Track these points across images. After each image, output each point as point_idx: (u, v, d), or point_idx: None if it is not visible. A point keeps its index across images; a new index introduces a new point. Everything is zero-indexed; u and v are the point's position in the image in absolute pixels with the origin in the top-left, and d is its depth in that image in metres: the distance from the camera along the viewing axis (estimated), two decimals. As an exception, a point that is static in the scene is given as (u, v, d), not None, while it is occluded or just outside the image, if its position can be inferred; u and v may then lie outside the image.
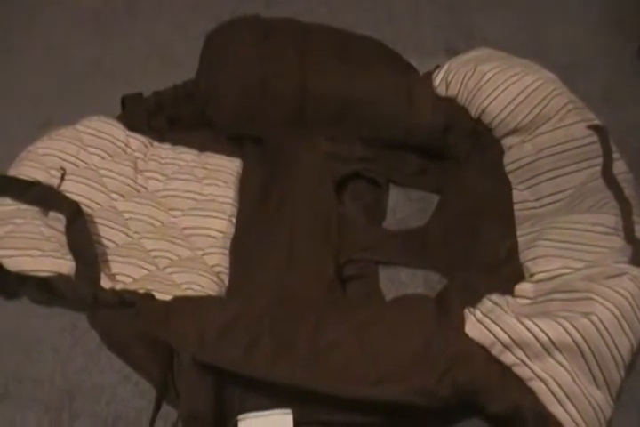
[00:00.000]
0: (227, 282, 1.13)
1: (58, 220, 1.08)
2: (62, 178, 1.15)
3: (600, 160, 1.10)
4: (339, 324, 0.94)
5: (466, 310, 0.95)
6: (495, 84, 1.18)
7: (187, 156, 1.27)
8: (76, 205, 1.09)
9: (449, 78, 1.23)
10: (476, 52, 1.27)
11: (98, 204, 1.16)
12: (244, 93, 1.23)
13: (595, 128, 1.14)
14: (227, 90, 1.23)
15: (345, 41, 1.30)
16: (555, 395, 0.87)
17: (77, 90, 1.48)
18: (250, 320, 0.92)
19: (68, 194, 1.13)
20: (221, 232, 1.18)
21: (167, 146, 1.29)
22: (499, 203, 1.17)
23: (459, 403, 0.90)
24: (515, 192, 1.18)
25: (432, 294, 1.09)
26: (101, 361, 1.06)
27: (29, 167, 1.14)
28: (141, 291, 1.03)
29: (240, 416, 0.95)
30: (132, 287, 1.05)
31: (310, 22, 1.32)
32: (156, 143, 1.28)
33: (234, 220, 1.20)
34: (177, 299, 0.98)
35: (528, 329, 0.88)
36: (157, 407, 0.94)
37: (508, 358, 0.89)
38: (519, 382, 0.89)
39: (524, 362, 0.89)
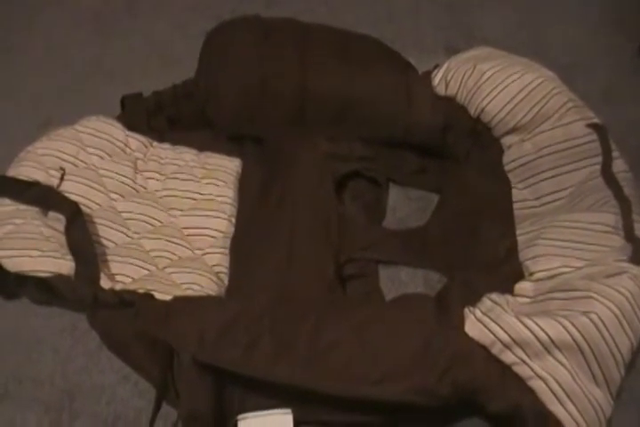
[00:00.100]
0: (226, 282, 1.13)
1: (57, 220, 1.08)
2: (62, 178, 1.15)
3: (600, 159, 1.10)
4: (339, 323, 0.94)
5: (466, 310, 0.95)
6: (494, 83, 1.18)
7: (186, 155, 1.27)
8: (75, 205, 1.09)
9: (448, 77, 1.23)
10: (475, 50, 1.27)
11: (97, 204, 1.16)
12: (243, 93, 1.23)
13: (594, 127, 1.13)
14: (226, 90, 1.23)
15: (344, 40, 1.29)
16: (555, 394, 0.88)
17: (77, 90, 1.48)
18: (250, 320, 0.92)
19: (67, 194, 1.13)
20: (221, 232, 1.18)
21: (167, 146, 1.29)
22: (498, 202, 1.17)
23: (459, 402, 0.90)
24: (514, 191, 1.18)
25: (432, 293, 1.09)
26: (101, 361, 1.06)
27: (29, 167, 1.14)
28: (141, 291, 1.03)
29: (240, 416, 0.95)
30: (132, 287, 1.05)
31: (310, 22, 1.32)
32: (155, 143, 1.28)
33: (233, 219, 1.20)
34: (177, 299, 0.98)
35: (528, 328, 0.88)
36: (157, 407, 0.94)
37: (507, 357, 0.89)
38: (519, 381, 0.89)
39: (523, 361, 0.89)
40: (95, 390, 1.04)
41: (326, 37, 1.29)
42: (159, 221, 1.18)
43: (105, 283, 1.03)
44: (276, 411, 0.96)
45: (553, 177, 1.14)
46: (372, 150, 1.28)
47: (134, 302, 0.98)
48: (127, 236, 1.15)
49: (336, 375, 0.89)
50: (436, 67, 1.27)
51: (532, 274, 1.02)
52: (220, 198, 1.22)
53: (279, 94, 1.23)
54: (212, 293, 1.08)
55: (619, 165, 1.10)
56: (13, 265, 1.00)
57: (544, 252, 1.03)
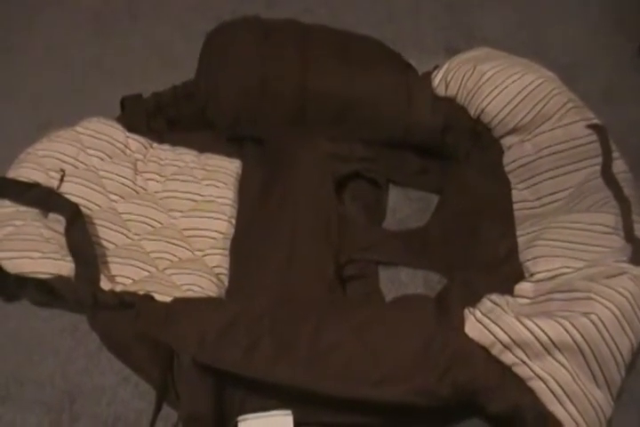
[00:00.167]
0: (227, 283, 1.13)
1: (57, 221, 1.08)
2: (62, 179, 1.15)
3: (600, 159, 1.10)
4: (339, 324, 0.94)
5: (466, 310, 0.95)
6: (494, 83, 1.18)
7: (186, 157, 1.27)
8: (75, 206, 1.09)
9: (448, 78, 1.22)
10: (475, 51, 1.27)
11: (97, 205, 1.16)
12: (243, 94, 1.23)
13: (594, 127, 1.13)
14: (227, 90, 1.23)
15: (345, 41, 1.29)
16: (555, 394, 0.88)
17: (77, 90, 1.48)
18: (250, 321, 0.93)
19: (67, 195, 1.13)
20: (221, 233, 1.18)
21: (166, 147, 1.29)
22: (498, 202, 1.17)
23: (459, 403, 0.90)
24: (514, 192, 1.18)
25: (432, 294, 1.09)
26: (102, 363, 1.06)
27: (29, 169, 1.14)
28: (141, 292, 1.03)
29: (240, 417, 0.95)
30: (132, 289, 1.05)
31: (310, 23, 1.32)
32: (155, 144, 1.28)
33: (234, 221, 1.20)
34: (177, 300, 0.98)
35: (528, 329, 0.88)
36: (158, 409, 0.94)
37: (508, 358, 0.89)
38: (519, 381, 0.89)
39: (524, 362, 0.89)
40: (96, 391, 1.04)
41: (326, 38, 1.29)
42: (159, 222, 1.18)
43: (105, 284, 1.03)
44: (276, 412, 0.95)
45: (553, 178, 1.14)
46: (372, 151, 1.28)
47: (134, 304, 0.98)
48: (127, 237, 1.15)
49: (336, 376, 0.89)
50: (436, 67, 1.27)
51: (532, 275, 1.02)
52: (220, 200, 1.22)
53: (279, 95, 1.23)
54: (212, 294, 1.08)
55: (619, 166, 1.10)
56: (14, 267, 1.00)
57: (544, 253, 1.03)
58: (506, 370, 0.90)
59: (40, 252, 1.02)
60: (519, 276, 1.04)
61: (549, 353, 0.88)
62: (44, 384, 1.05)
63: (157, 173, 1.24)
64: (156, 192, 1.22)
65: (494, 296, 0.97)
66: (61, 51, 1.57)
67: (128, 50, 1.57)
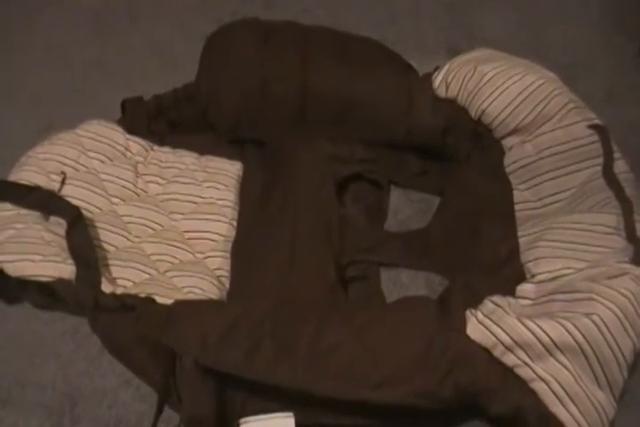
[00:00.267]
0: (228, 285, 1.13)
1: (58, 224, 1.08)
2: (63, 182, 1.15)
3: (601, 160, 1.10)
4: (340, 326, 0.94)
5: (467, 312, 0.95)
6: (495, 84, 1.17)
7: (187, 159, 1.27)
8: (76, 209, 1.09)
9: (449, 79, 1.22)
10: (476, 52, 1.27)
11: (98, 208, 1.16)
12: (244, 96, 1.23)
13: (595, 128, 1.13)
14: (227, 93, 1.23)
15: (345, 42, 1.29)
16: (557, 396, 0.88)
17: (77, 92, 1.48)
18: (251, 323, 0.92)
19: (68, 198, 1.13)
20: (222, 235, 1.18)
21: (167, 149, 1.29)
22: (499, 203, 1.17)
23: (460, 405, 0.90)
24: (515, 193, 1.18)
25: (433, 295, 1.09)
26: (103, 365, 1.06)
27: (30, 172, 1.14)
28: (142, 295, 1.03)
29: (242, 420, 0.95)
30: (133, 291, 1.05)
31: (310, 24, 1.32)
32: (156, 147, 1.28)
33: (235, 223, 1.20)
34: (178, 303, 0.98)
35: (530, 330, 0.88)
36: (159, 411, 0.94)
37: (510, 360, 0.89)
38: (521, 383, 0.89)
39: (526, 363, 0.89)
40: (97, 394, 1.04)
41: (327, 39, 1.29)
42: (160, 224, 1.18)
43: (106, 287, 1.03)
44: (277, 414, 0.95)
45: (554, 178, 1.14)
46: (373, 152, 1.28)
47: (135, 306, 0.98)
48: (128, 240, 1.15)
49: (337, 378, 0.89)
50: (437, 68, 1.27)
51: (533, 276, 1.02)
52: (221, 202, 1.22)
53: (280, 97, 1.23)
54: (213, 296, 1.08)
55: (620, 166, 1.10)
56: (15, 270, 1.01)
57: (545, 253, 1.03)
58: (508, 371, 0.90)
59: (41, 255, 1.02)
60: (521, 277, 1.04)
61: (551, 354, 0.88)
62: (46, 387, 1.05)
63: (158, 176, 1.24)
64: (156, 194, 1.22)
65: (496, 297, 0.97)
66: (61, 51, 1.57)
67: (128, 50, 1.57)
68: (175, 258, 1.14)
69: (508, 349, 0.89)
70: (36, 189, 1.12)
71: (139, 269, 1.10)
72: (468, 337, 0.91)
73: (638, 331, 0.90)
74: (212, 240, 1.17)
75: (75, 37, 1.60)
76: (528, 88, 1.16)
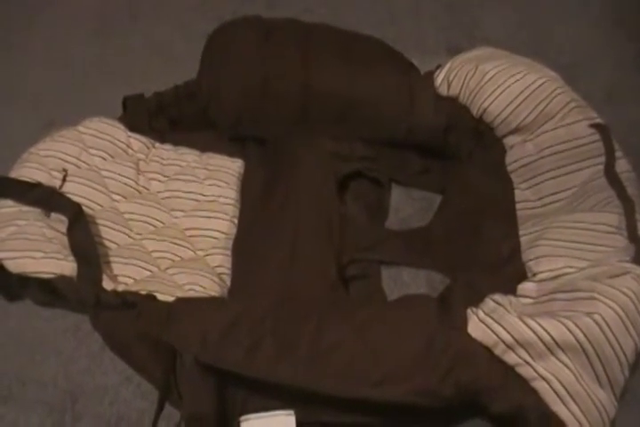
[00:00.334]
0: (229, 283, 1.13)
1: (60, 221, 1.08)
2: (64, 179, 1.15)
3: (602, 159, 1.10)
4: (341, 324, 0.94)
5: (468, 310, 0.94)
6: (497, 83, 1.17)
7: (188, 156, 1.27)
8: (77, 206, 1.09)
9: (450, 78, 1.22)
10: (477, 51, 1.27)
11: (99, 205, 1.16)
12: (245, 94, 1.23)
13: (597, 127, 1.13)
14: (228, 90, 1.23)
15: (347, 41, 1.29)
16: (558, 395, 0.87)
17: (78, 90, 1.48)
18: (252, 321, 0.92)
19: (69, 195, 1.13)
20: (223, 233, 1.18)
21: (168, 147, 1.29)
22: (501, 202, 1.17)
23: (461, 403, 0.90)
24: (517, 191, 1.18)
25: (434, 293, 1.09)
26: (104, 363, 1.06)
27: (31, 169, 1.14)
28: (143, 292, 1.03)
29: (242, 417, 0.95)
30: (134, 288, 1.05)
31: (312, 22, 1.32)
32: (157, 144, 1.28)
33: (236, 220, 1.20)
34: (179, 300, 0.98)
35: (531, 329, 0.88)
36: (160, 409, 0.94)
37: (511, 358, 0.89)
38: (522, 381, 0.89)
39: (527, 362, 0.89)
40: (98, 391, 1.04)
41: (328, 37, 1.29)
42: (161, 222, 1.18)
43: (107, 284, 1.03)
44: (278, 412, 0.95)
45: (555, 177, 1.14)
46: (374, 151, 1.28)
47: (136, 304, 0.98)
48: (129, 237, 1.15)
49: (337, 376, 0.89)
50: (439, 67, 1.27)
51: (534, 275, 1.02)
52: (222, 199, 1.22)
53: (281, 94, 1.23)
54: (214, 294, 1.08)
55: (622, 165, 1.10)
56: (16, 266, 1.00)
57: (547, 252, 1.03)
58: (509, 370, 0.89)
59: (42, 252, 1.02)
60: (522, 276, 1.04)
61: (552, 353, 0.88)
62: (47, 384, 1.05)
63: (159, 173, 1.24)
64: (158, 192, 1.22)
65: (497, 296, 0.97)
66: (62, 50, 1.57)
67: (128, 50, 1.57)
68: (176, 255, 1.14)
69: (510, 347, 0.89)
70: (37, 185, 1.11)
71: (140, 267, 1.10)
72: (469, 336, 0.90)
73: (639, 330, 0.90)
74: (214, 238, 1.17)
75: (75, 36, 1.60)
76: (530, 87, 1.16)
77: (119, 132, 1.24)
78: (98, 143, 1.22)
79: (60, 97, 1.46)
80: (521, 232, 1.12)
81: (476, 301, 0.97)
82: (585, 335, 0.87)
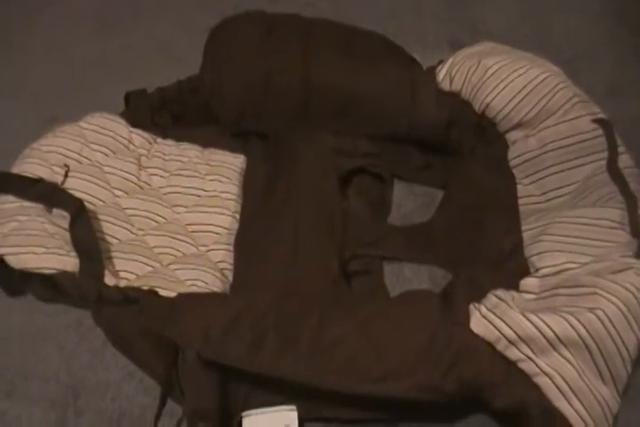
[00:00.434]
0: (231, 278, 1.13)
1: (62, 217, 1.08)
2: (66, 175, 1.15)
3: (605, 154, 1.10)
4: (343, 320, 0.94)
5: (471, 306, 0.94)
6: (499, 78, 1.17)
7: (190, 152, 1.27)
8: (79, 202, 1.09)
9: (452, 73, 1.22)
10: (479, 46, 1.27)
11: (101, 200, 1.16)
12: (247, 88, 1.23)
13: (600, 122, 1.13)
14: (231, 85, 1.23)
15: (348, 36, 1.29)
16: (560, 390, 0.87)
17: (80, 86, 1.48)
18: (254, 316, 0.93)
19: (71, 191, 1.13)
20: (225, 228, 1.18)
21: (170, 142, 1.28)
22: (503, 197, 1.17)
23: (464, 399, 0.90)
24: (519, 187, 1.17)
25: (437, 289, 1.09)
26: (106, 358, 1.06)
27: (33, 164, 1.14)
28: (145, 288, 1.03)
29: (244, 413, 0.96)
30: (136, 284, 1.05)
31: (313, 17, 1.32)
32: (159, 139, 1.28)
33: (238, 216, 1.20)
34: (181, 296, 0.98)
35: (533, 324, 0.88)
36: (162, 404, 0.95)
37: (513, 354, 0.89)
38: (525, 377, 0.89)
39: (529, 357, 0.89)
40: (100, 386, 1.04)
41: (330, 32, 1.29)
42: (163, 217, 1.18)
43: (109, 280, 1.04)
44: (280, 408, 0.96)
45: (558, 172, 1.14)
46: (376, 146, 1.28)
47: (139, 299, 0.99)
48: (131, 232, 1.15)
49: (340, 371, 0.89)
50: (441, 62, 1.27)
51: (537, 270, 1.02)
52: (224, 195, 1.22)
53: (283, 89, 1.23)
54: (216, 289, 1.08)
55: (624, 161, 1.09)
56: (18, 262, 1.01)
57: (549, 248, 1.03)
58: (511, 366, 0.89)
59: (44, 247, 1.02)
60: (524, 271, 1.04)
61: (555, 349, 0.88)
62: (49, 379, 1.05)
63: (161, 169, 1.24)
64: (160, 187, 1.22)
65: (499, 292, 0.97)
66: (64, 47, 1.57)
67: (131, 46, 1.57)
68: (178, 251, 1.14)
69: (512, 343, 0.89)
70: (39, 181, 1.11)
71: (142, 262, 1.10)
72: (471, 331, 0.90)
73: (642, 325, 0.90)
74: (216, 233, 1.17)
75: (77, 34, 1.60)
76: (532, 82, 1.16)
77: (121, 127, 1.24)
78: (99, 139, 1.22)
79: (62, 93, 1.46)
80: (524, 227, 1.12)
81: (479, 296, 0.97)
82: (587, 331, 0.87)
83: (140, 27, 1.61)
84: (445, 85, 1.24)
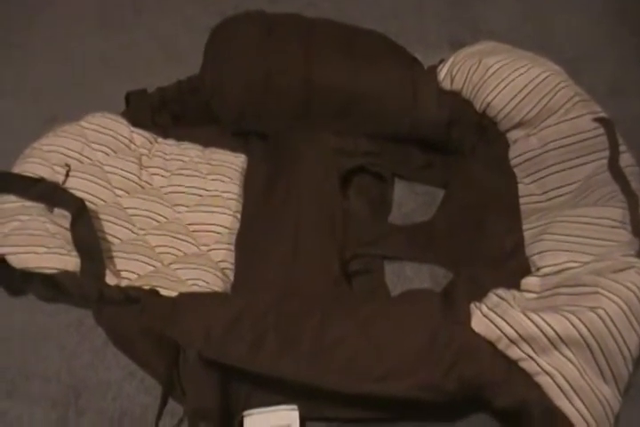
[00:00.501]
0: (232, 278, 1.13)
1: (63, 216, 1.08)
2: (67, 174, 1.15)
3: (606, 153, 1.10)
4: (344, 319, 0.94)
5: (472, 305, 0.94)
6: (500, 77, 1.17)
7: (191, 151, 1.27)
8: (80, 201, 1.09)
9: (453, 72, 1.22)
10: (480, 45, 1.27)
11: (102, 200, 1.16)
12: (248, 88, 1.23)
13: (601, 121, 1.13)
14: (231, 85, 1.23)
15: (349, 35, 1.29)
16: (562, 389, 0.87)
17: (81, 85, 1.48)
18: (255, 316, 0.93)
19: (72, 190, 1.13)
20: (226, 228, 1.18)
21: (171, 142, 1.29)
22: (504, 196, 1.17)
23: (465, 398, 0.90)
24: (520, 186, 1.17)
25: (438, 288, 1.09)
26: (107, 358, 1.06)
27: (34, 164, 1.14)
28: (146, 287, 1.03)
29: (246, 412, 0.96)
30: (138, 284, 1.05)
31: (315, 17, 1.32)
32: (160, 139, 1.28)
33: (239, 215, 1.20)
34: (182, 295, 0.98)
35: (535, 323, 0.88)
36: (163, 404, 0.95)
37: (514, 353, 0.89)
38: (526, 376, 0.89)
39: (530, 357, 0.89)
40: (101, 386, 1.04)
41: (331, 32, 1.29)
42: (164, 217, 1.18)
43: (110, 279, 1.04)
44: (281, 407, 0.96)
45: (559, 172, 1.13)
46: (377, 145, 1.28)
47: (140, 299, 0.99)
48: (132, 232, 1.15)
49: (341, 371, 0.89)
50: (442, 61, 1.27)
51: (538, 269, 1.02)
52: (225, 194, 1.22)
53: (283, 89, 1.23)
54: (217, 289, 1.08)
55: (626, 160, 1.09)
56: (19, 262, 1.01)
57: (550, 247, 1.03)
58: (512, 365, 0.89)
59: (45, 247, 1.02)
60: (526, 270, 1.04)
61: (556, 348, 0.88)
62: (50, 379, 1.05)
63: (162, 168, 1.24)
64: (161, 187, 1.22)
65: (500, 291, 0.97)
66: (64, 47, 1.57)
67: (132, 44, 1.57)
68: (179, 250, 1.14)
69: (513, 342, 0.89)
70: (40, 180, 1.12)
71: (143, 262, 1.10)
72: (472, 330, 0.90)
73: (644, 325, 0.90)
74: (217, 233, 1.17)
75: (77, 33, 1.60)
76: (533, 81, 1.16)
77: (122, 127, 1.24)
78: (100, 138, 1.22)
79: (63, 92, 1.46)
80: (525, 226, 1.12)
81: (480, 295, 0.97)
82: (589, 330, 0.87)
83: (140, 26, 1.61)
84: (446, 85, 1.24)
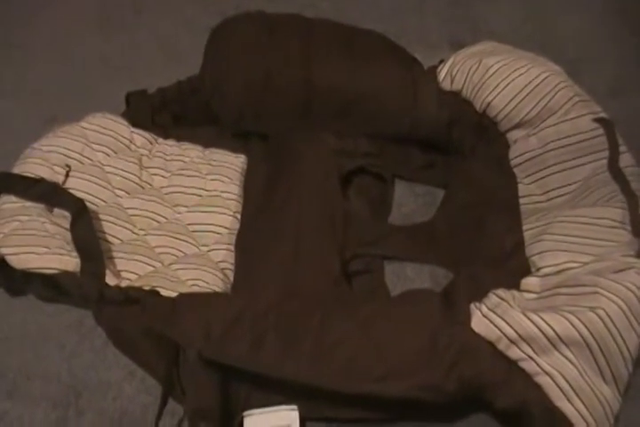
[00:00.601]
0: (232, 278, 1.13)
1: (63, 217, 1.08)
2: (67, 175, 1.16)
3: (606, 153, 1.10)
4: (344, 320, 0.94)
5: (472, 305, 0.95)
6: (500, 77, 1.17)
7: (191, 152, 1.27)
8: (80, 202, 1.09)
9: (454, 72, 1.22)
10: (480, 45, 1.27)
11: (103, 200, 1.16)
12: (248, 88, 1.23)
13: (601, 121, 1.13)
14: (231, 85, 1.23)
15: (349, 35, 1.29)
16: (562, 390, 0.87)
17: (81, 86, 1.48)
18: (255, 316, 0.93)
19: (72, 191, 1.13)
20: (226, 228, 1.18)
21: (172, 142, 1.29)
22: (504, 197, 1.17)
23: (465, 398, 0.90)
24: (520, 186, 1.17)
25: (438, 288, 1.09)
26: (107, 358, 1.06)
27: (34, 164, 1.14)
28: (147, 287, 1.03)
29: (246, 412, 0.96)
30: (138, 284, 1.05)
31: (314, 17, 1.32)
32: (160, 139, 1.28)
33: (239, 216, 1.20)
34: (182, 295, 0.99)
35: (534, 324, 0.88)
36: (163, 404, 0.95)
37: (514, 353, 0.89)
38: (526, 376, 0.89)
39: (530, 357, 0.89)
40: (101, 386, 1.04)
41: (330, 32, 1.29)
42: (164, 217, 1.18)
43: (110, 280, 1.04)
44: (281, 407, 0.96)
45: (559, 172, 1.14)
46: (377, 146, 1.28)
47: (140, 299, 0.99)
48: (133, 232, 1.15)
49: (341, 371, 0.89)
50: (442, 61, 1.27)
51: (538, 269, 1.02)
52: (225, 195, 1.22)
53: (282, 89, 1.23)
54: (217, 289, 1.08)
55: (625, 160, 1.09)
56: (19, 262, 1.01)
57: (550, 247, 1.03)
58: (512, 365, 0.89)
59: (46, 247, 1.02)
60: (525, 270, 1.04)
61: (556, 348, 0.88)
62: (51, 379, 1.05)
63: (162, 169, 1.24)
64: (161, 187, 1.22)
65: (500, 291, 0.97)
66: (64, 47, 1.57)
67: (132, 45, 1.57)
68: (179, 251, 1.14)
69: (513, 342, 0.89)
70: (40, 181, 1.12)
71: (143, 262, 1.10)
72: (472, 331, 0.91)
73: (643, 325, 0.90)
74: (217, 233, 1.17)
75: (78, 33, 1.61)
76: (533, 81, 1.16)
77: (122, 127, 1.25)
78: (101, 139, 1.22)
79: (63, 92, 1.47)
80: (525, 226, 1.12)
81: (480, 295, 0.97)
82: (589, 330, 0.87)
83: (140, 27, 1.61)
84: (446, 85, 1.24)
